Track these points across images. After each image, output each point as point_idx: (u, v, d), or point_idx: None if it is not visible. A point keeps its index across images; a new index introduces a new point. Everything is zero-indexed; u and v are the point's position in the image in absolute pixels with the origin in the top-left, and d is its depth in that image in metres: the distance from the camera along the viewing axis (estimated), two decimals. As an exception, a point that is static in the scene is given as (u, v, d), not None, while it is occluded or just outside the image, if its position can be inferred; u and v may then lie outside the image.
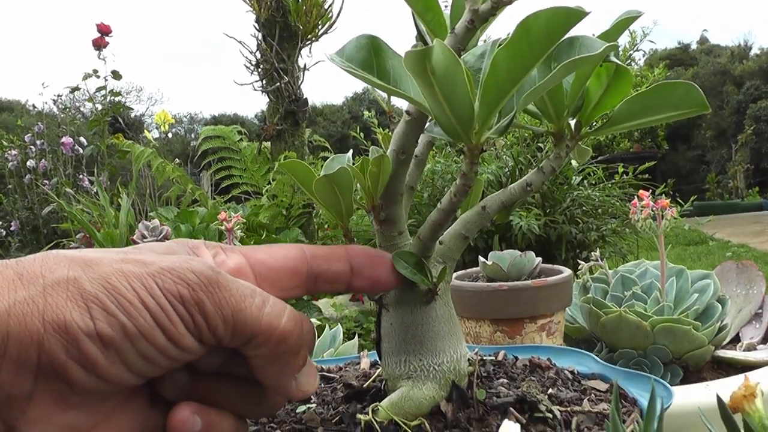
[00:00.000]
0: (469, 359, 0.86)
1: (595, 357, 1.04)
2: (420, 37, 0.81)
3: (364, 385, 0.89)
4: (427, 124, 0.76)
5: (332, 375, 0.99)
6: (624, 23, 0.77)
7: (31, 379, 0.54)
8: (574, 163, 3.80)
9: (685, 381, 1.64)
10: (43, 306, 0.54)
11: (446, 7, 0.81)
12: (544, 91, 0.72)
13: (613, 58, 0.76)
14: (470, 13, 0.69)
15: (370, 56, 0.73)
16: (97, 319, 0.55)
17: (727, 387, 1.31)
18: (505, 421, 0.60)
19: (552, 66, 0.69)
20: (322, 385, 0.95)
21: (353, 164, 0.80)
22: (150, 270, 0.59)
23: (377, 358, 0.88)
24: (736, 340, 1.84)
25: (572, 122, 0.83)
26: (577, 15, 0.60)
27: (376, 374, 0.91)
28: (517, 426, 0.59)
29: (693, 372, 1.68)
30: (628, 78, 0.79)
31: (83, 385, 0.56)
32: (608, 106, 0.81)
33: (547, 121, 0.83)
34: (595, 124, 0.85)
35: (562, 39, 0.63)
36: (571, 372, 0.97)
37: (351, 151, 0.92)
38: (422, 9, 0.78)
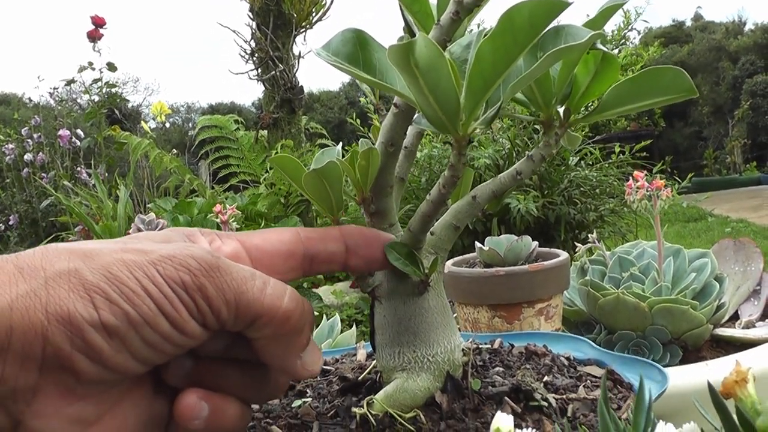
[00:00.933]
0: (463, 349, 0.86)
1: (591, 342, 1.04)
2: (407, 28, 0.81)
3: (360, 378, 0.89)
4: (415, 115, 0.76)
5: (328, 367, 1.00)
6: (610, 10, 0.77)
7: (35, 372, 0.54)
8: (570, 144, 3.81)
9: (684, 360, 1.65)
10: (46, 298, 0.54)
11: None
12: (530, 81, 0.72)
13: (600, 46, 0.76)
14: (455, 5, 0.69)
15: (356, 50, 0.73)
16: (101, 308, 0.55)
17: (726, 366, 1.31)
18: (498, 413, 0.60)
19: (538, 55, 0.69)
20: (318, 378, 0.95)
21: (344, 156, 0.80)
22: (151, 258, 0.59)
23: (373, 349, 0.88)
24: (735, 317, 1.85)
25: (561, 110, 0.83)
26: (559, 6, 0.60)
27: (371, 366, 0.92)
28: (510, 417, 0.59)
29: (692, 351, 1.69)
30: (615, 64, 0.79)
31: (89, 376, 0.56)
32: (597, 92, 0.81)
33: (535, 109, 0.83)
34: (591, 105, 0.85)
35: (548, 28, 0.63)
36: (567, 358, 0.97)
37: (341, 144, 0.92)
38: (409, 0, 0.78)
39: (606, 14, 0.77)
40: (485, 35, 0.65)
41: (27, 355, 0.53)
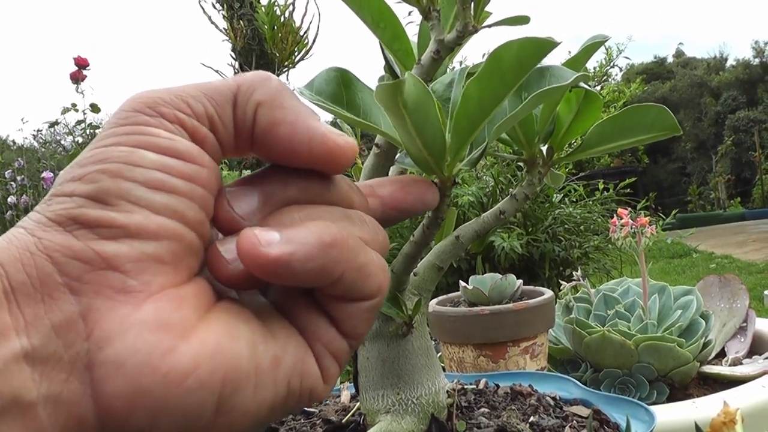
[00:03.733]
0: (448, 391, 0.85)
1: (577, 382, 1.03)
2: (388, 67, 0.80)
3: (343, 420, 0.88)
4: (398, 154, 0.75)
5: (312, 409, 0.98)
6: (592, 48, 0.77)
7: (64, 288, 0.40)
8: (554, 181, 3.81)
9: (671, 398, 1.64)
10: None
11: (415, 35, 0.81)
12: (515, 122, 0.72)
13: (582, 84, 0.76)
14: (436, 44, 0.68)
15: (339, 89, 0.72)
16: None
17: (713, 404, 1.31)
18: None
19: (522, 96, 0.69)
20: (302, 421, 0.94)
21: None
22: None
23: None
24: (722, 354, 1.84)
25: (544, 148, 0.82)
26: (547, 46, 0.59)
27: (355, 408, 0.91)
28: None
29: (679, 389, 1.68)
30: (597, 102, 0.79)
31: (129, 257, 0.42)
32: (579, 130, 0.80)
33: (518, 147, 0.83)
34: (574, 143, 0.85)
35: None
36: (553, 398, 0.96)
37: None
38: (389, 38, 0.78)
39: (588, 51, 0.77)
40: (468, 74, 0.65)
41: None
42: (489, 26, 0.68)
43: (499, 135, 0.70)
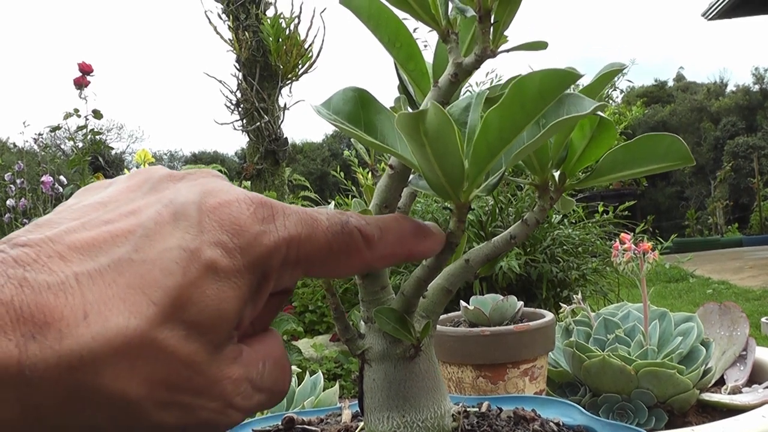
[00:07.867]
0: (453, 414, 0.84)
1: (581, 408, 1.03)
2: (402, 87, 0.80)
3: (347, 441, 0.88)
4: (411, 177, 0.75)
5: (313, 428, 0.98)
6: (608, 76, 0.77)
7: None
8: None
9: (670, 425, 1.64)
10: None
11: (425, 46, 0.81)
12: (532, 150, 0.71)
13: (598, 112, 0.76)
14: (454, 67, 0.68)
15: (357, 109, 0.72)
16: None
17: (712, 432, 1.30)
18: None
19: (541, 124, 0.68)
20: (305, 440, 0.94)
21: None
22: None
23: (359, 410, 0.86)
24: (721, 382, 1.84)
25: (556, 174, 0.82)
26: (570, 77, 0.59)
27: (358, 429, 0.90)
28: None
29: (678, 416, 1.68)
30: (611, 130, 0.78)
31: None
32: (592, 157, 0.80)
33: (531, 173, 0.82)
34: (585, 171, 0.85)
35: (551, 97, 0.63)
36: (557, 424, 0.96)
37: (333, 203, 0.91)
38: (404, 58, 0.78)
39: (604, 79, 0.77)
40: (487, 99, 0.65)
41: None
42: (507, 51, 0.68)
43: (516, 162, 0.69)
